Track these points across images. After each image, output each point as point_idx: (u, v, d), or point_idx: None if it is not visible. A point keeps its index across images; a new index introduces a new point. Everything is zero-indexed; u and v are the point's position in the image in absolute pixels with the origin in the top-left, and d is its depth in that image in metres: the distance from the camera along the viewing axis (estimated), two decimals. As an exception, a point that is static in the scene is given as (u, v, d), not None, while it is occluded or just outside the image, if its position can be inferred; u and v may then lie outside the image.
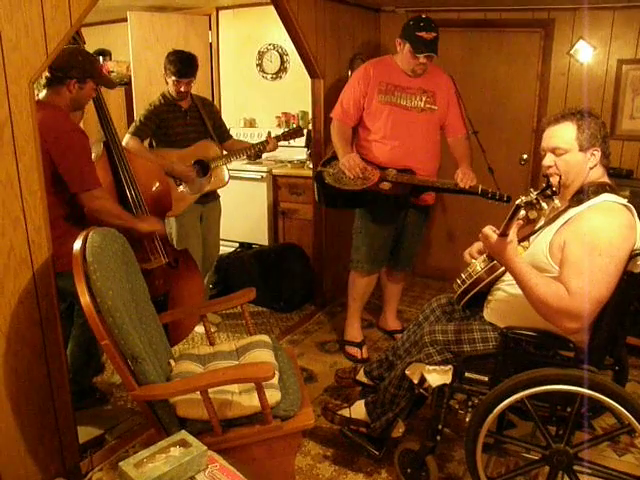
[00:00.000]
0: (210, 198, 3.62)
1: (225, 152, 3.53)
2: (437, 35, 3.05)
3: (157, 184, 2.95)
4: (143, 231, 2.68)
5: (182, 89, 3.33)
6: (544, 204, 1.73)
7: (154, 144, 3.45)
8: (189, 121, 3.45)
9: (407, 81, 3.19)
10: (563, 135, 1.96)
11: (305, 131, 4.69)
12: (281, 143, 3.65)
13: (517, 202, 1.76)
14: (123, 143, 3.08)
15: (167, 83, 3.38)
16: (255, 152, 3.56)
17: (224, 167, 3.55)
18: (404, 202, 3.26)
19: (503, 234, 1.87)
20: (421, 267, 4.69)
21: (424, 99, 3.21)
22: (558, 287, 1.81)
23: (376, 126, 3.23)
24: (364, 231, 3.38)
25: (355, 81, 3.26)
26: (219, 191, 3.71)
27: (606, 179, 1.99)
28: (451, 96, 3.28)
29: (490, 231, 1.93)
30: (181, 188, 3.35)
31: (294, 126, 3.67)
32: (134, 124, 3.37)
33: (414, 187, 3.17)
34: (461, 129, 3.33)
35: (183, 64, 3.28)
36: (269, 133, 3.59)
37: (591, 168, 1.96)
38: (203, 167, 3.43)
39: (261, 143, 3.53)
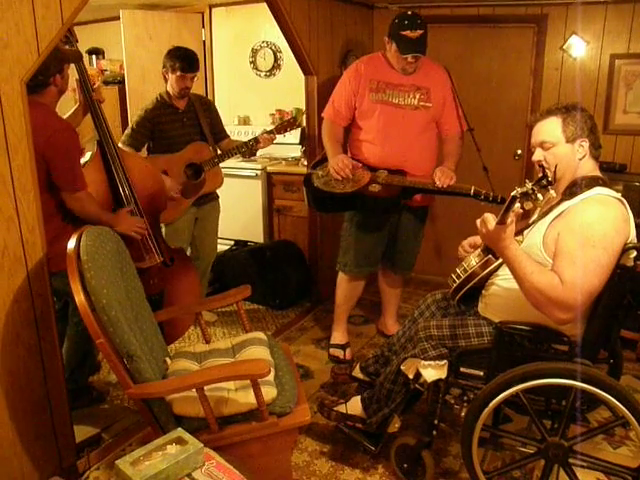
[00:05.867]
0: (207, 199, 3.56)
1: (219, 152, 3.47)
2: (424, 32, 2.92)
3: (151, 183, 2.94)
4: (120, 232, 2.67)
5: (187, 85, 3.29)
6: (539, 195, 1.72)
7: (151, 147, 3.38)
8: (186, 123, 3.38)
9: (399, 78, 3.08)
10: (549, 129, 1.99)
11: (299, 129, 4.71)
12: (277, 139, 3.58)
13: (512, 193, 1.75)
14: None
15: (167, 82, 3.32)
16: (249, 149, 3.49)
17: (219, 167, 3.51)
18: (394, 205, 3.15)
19: (500, 223, 1.84)
20: (417, 264, 4.70)
21: (418, 96, 3.08)
22: (552, 276, 1.81)
23: (368, 125, 3.13)
24: (353, 234, 3.29)
25: (346, 79, 3.17)
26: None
27: (598, 173, 2.01)
28: (447, 92, 3.15)
29: (490, 216, 1.90)
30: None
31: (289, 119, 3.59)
32: (127, 132, 3.30)
33: (404, 189, 3.05)
34: (455, 127, 3.20)
35: (188, 58, 3.26)
36: (264, 131, 3.53)
37: (580, 159, 1.98)
38: (196, 170, 3.37)
39: (252, 140, 3.44)
